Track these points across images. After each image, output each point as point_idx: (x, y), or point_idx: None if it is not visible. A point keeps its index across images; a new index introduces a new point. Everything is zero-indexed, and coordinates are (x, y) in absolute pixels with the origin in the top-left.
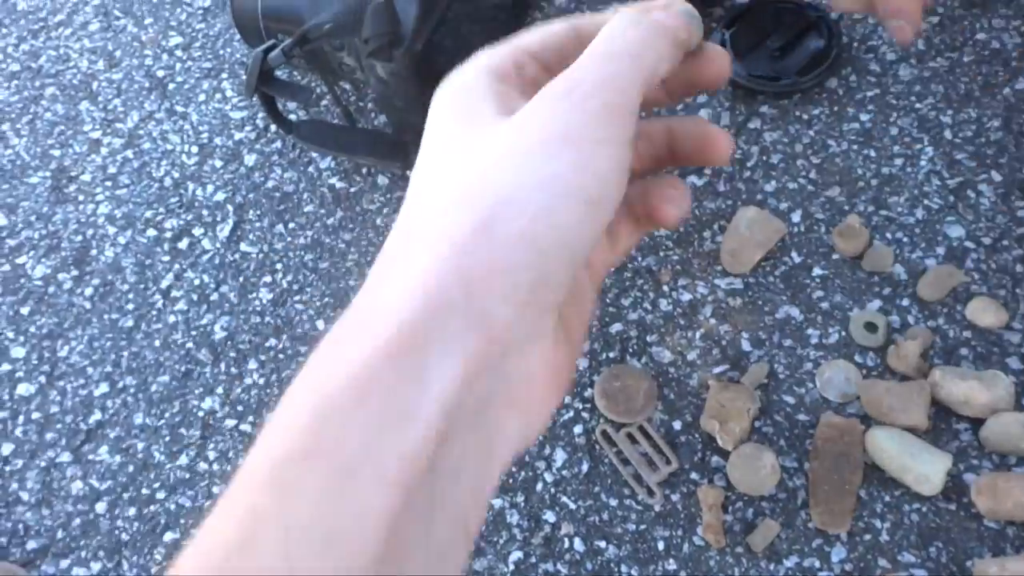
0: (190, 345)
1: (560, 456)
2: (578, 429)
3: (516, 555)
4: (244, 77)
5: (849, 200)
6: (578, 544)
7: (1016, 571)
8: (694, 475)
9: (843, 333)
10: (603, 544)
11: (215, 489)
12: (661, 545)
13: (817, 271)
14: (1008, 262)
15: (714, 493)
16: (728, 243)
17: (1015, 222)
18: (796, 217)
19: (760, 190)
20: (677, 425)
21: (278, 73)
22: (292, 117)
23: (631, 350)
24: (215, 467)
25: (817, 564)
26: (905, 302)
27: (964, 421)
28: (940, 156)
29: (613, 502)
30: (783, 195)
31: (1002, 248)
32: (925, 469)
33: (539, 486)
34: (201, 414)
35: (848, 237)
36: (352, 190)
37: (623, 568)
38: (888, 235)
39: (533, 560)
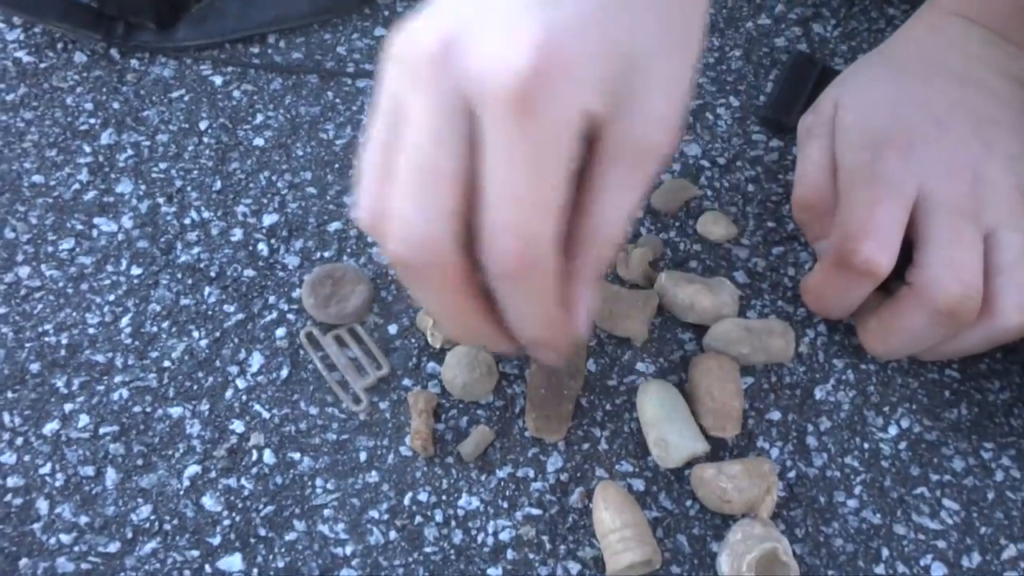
0: None
1: (257, 360)
2: (281, 332)
3: (193, 469)
4: None
5: None
6: (268, 456)
7: (731, 473)
8: (407, 381)
9: None
10: (297, 456)
11: None
12: (363, 456)
13: None
14: (740, 181)
15: (425, 397)
16: None
17: (749, 145)
18: None
19: None
20: (393, 329)
21: None
22: None
23: (349, 250)
24: None
25: (532, 473)
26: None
27: (689, 330)
28: None
29: (313, 410)
30: None
31: (735, 168)
32: (674, 438)
33: (228, 393)
34: None
35: None
36: (42, 65)
37: (318, 481)
38: None
39: (213, 475)
